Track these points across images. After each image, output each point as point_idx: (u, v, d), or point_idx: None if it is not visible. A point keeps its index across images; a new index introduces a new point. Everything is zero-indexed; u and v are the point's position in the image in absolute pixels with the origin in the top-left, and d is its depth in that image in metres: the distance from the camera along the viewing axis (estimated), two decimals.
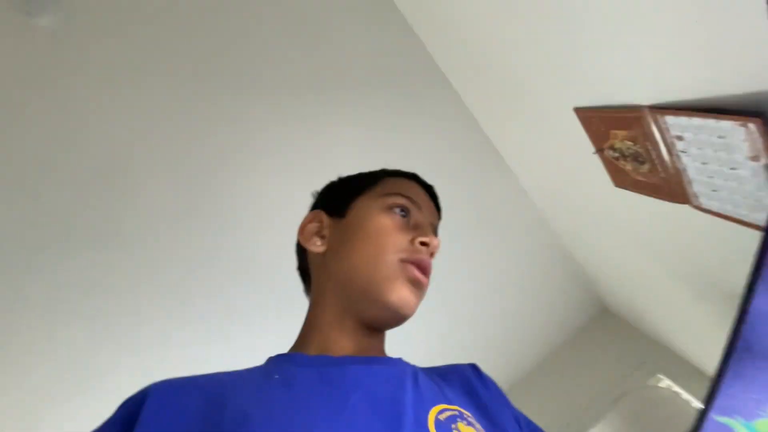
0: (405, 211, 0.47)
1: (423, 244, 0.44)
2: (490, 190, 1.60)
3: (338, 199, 0.50)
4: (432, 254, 0.45)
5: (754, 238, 0.69)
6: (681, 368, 1.62)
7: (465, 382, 0.45)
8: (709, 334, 1.21)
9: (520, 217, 1.68)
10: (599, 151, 0.95)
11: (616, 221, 1.20)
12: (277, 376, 0.35)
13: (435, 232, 0.50)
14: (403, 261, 0.42)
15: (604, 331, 2.02)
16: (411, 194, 0.49)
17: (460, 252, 1.59)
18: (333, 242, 0.47)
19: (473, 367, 0.49)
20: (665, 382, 1.65)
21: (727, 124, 0.56)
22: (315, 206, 0.53)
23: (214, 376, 0.36)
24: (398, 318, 0.42)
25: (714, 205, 0.73)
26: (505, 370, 2.04)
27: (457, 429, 0.33)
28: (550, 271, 1.85)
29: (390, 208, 0.46)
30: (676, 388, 1.58)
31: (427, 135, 1.43)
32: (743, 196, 0.64)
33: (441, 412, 0.34)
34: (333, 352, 0.40)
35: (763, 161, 0.56)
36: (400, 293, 0.41)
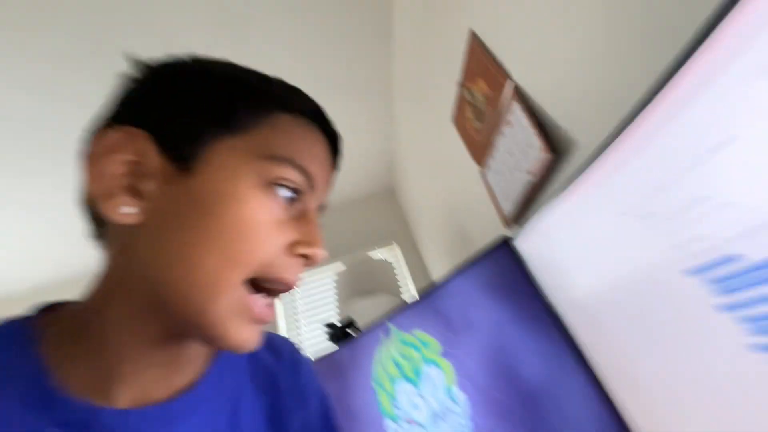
0: (294, 193, 0.29)
1: (303, 256, 0.30)
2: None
3: (187, 123, 0.27)
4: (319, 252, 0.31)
5: (495, 221, 0.91)
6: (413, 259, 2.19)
7: (273, 387, 0.38)
8: (440, 257, 1.68)
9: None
10: (461, 84, 0.96)
11: (433, 142, 1.34)
12: None
13: (321, 214, 0.35)
14: (258, 284, 0.28)
15: (379, 205, 2.45)
16: (309, 161, 0.30)
17: None
18: (156, 212, 0.26)
19: (293, 358, 0.42)
20: (393, 254, 2.23)
21: (537, 142, 0.65)
22: (126, 117, 0.28)
23: None
24: (225, 349, 0.29)
25: (491, 179, 0.90)
26: None
27: None
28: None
29: (273, 184, 0.28)
30: (397, 267, 2.16)
31: None
32: (507, 189, 0.81)
33: None
34: (113, 395, 0.27)
35: (531, 178, 0.69)
36: (242, 335, 0.28)
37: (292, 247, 0.29)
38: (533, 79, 0.68)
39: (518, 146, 0.74)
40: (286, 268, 0.29)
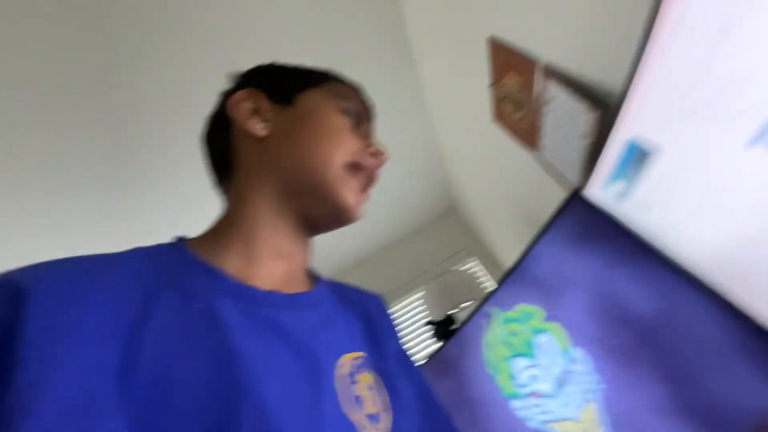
0: (358, 120, 0.45)
1: (375, 154, 0.43)
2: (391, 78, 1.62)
3: (284, 84, 0.44)
4: (380, 166, 0.44)
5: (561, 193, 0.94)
6: (493, 266, 2.19)
7: (366, 316, 0.45)
8: (513, 246, 1.68)
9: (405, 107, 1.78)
10: (493, 84, 1.05)
11: (482, 145, 1.40)
12: (198, 306, 0.30)
13: None
14: (355, 165, 0.41)
15: (441, 224, 2.51)
16: (360, 100, 0.47)
17: None
18: (277, 128, 0.41)
19: (378, 301, 0.50)
20: (472, 267, 2.24)
21: (580, 106, 0.70)
22: (245, 85, 0.45)
23: (113, 273, 0.30)
24: (342, 221, 0.41)
25: (549, 157, 0.94)
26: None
27: (358, 382, 0.34)
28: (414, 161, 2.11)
29: (344, 112, 0.43)
30: (480, 275, 2.16)
31: None
32: (568, 161, 0.85)
33: (350, 362, 0.36)
34: (257, 280, 0.35)
35: (588, 141, 0.73)
36: (350, 197, 0.40)
37: (366, 147, 0.43)
38: (556, 50, 0.75)
39: (565, 117, 0.79)
40: (366, 158, 0.42)
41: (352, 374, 0.34)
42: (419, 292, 2.39)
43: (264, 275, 0.36)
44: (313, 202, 0.40)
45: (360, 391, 0.34)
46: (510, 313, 0.80)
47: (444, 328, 1.25)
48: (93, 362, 0.24)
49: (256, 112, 0.42)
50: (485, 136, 1.29)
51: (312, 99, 0.43)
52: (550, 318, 0.71)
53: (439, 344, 1.14)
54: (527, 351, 0.76)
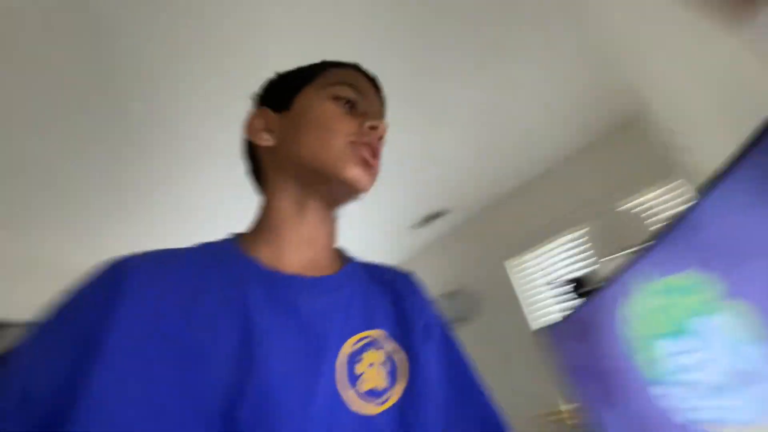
0: (351, 103, 0.47)
1: (372, 128, 0.45)
2: None
3: (281, 92, 0.49)
4: (380, 138, 0.46)
5: None
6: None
7: (395, 293, 0.47)
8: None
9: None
10: None
11: (670, 30, 0.97)
12: (234, 291, 0.37)
13: (382, 118, 0.51)
14: (353, 143, 0.43)
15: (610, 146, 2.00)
16: (355, 83, 0.48)
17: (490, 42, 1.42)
18: (282, 134, 0.46)
19: (408, 278, 0.51)
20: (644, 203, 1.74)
21: None
22: (257, 105, 0.51)
23: (183, 260, 0.39)
24: (352, 192, 0.45)
25: None
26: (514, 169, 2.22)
27: (361, 360, 0.37)
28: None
29: (336, 98, 0.46)
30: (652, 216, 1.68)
31: None
32: None
33: (357, 342, 0.38)
34: (285, 266, 0.41)
35: None
36: (352, 171, 0.43)
37: (362, 125, 0.44)
38: None
39: None
40: (364, 135, 0.44)
41: (355, 354, 0.37)
42: (573, 232, 2.08)
43: (291, 261, 0.42)
44: (324, 185, 0.44)
45: (361, 369, 0.37)
46: (669, 280, 0.58)
47: (585, 286, 1.05)
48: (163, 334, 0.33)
49: (264, 126, 0.47)
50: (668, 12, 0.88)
51: (305, 97, 0.47)
52: (731, 294, 0.48)
53: (577, 304, 0.97)
54: (686, 330, 0.54)
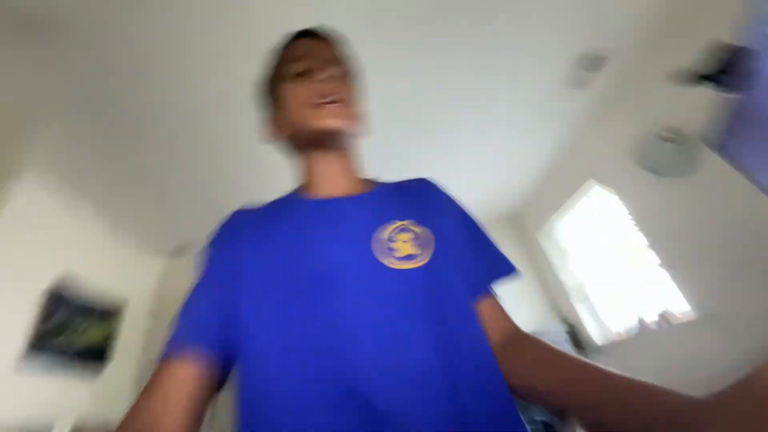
0: (302, 73, 0.58)
1: (320, 80, 0.57)
2: None
3: (269, 96, 0.65)
4: (330, 77, 0.57)
5: None
6: None
7: (418, 192, 0.62)
8: None
9: None
10: None
11: None
12: (294, 216, 0.55)
13: (332, 63, 0.60)
14: (311, 104, 0.56)
15: None
16: (298, 53, 0.60)
17: None
18: (278, 124, 0.62)
19: (428, 182, 0.66)
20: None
21: None
22: (262, 113, 0.69)
23: (268, 207, 0.60)
24: (328, 134, 0.57)
25: None
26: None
27: (396, 239, 0.51)
28: None
29: (288, 76, 0.59)
30: None
31: None
32: None
33: (391, 228, 0.52)
34: (324, 195, 0.58)
35: None
36: (314, 123, 0.56)
37: (311, 84, 0.57)
38: None
39: None
40: (317, 93, 0.55)
41: (391, 235, 0.51)
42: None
43: (327, 191, 0.58)
44: (311, 141, 0.58)
45: (395, 245, 0.50)
46: None
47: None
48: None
49: (272, 130, 0.64)
50: None
51: (279, 91, 0.60)
52: None
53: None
54: None
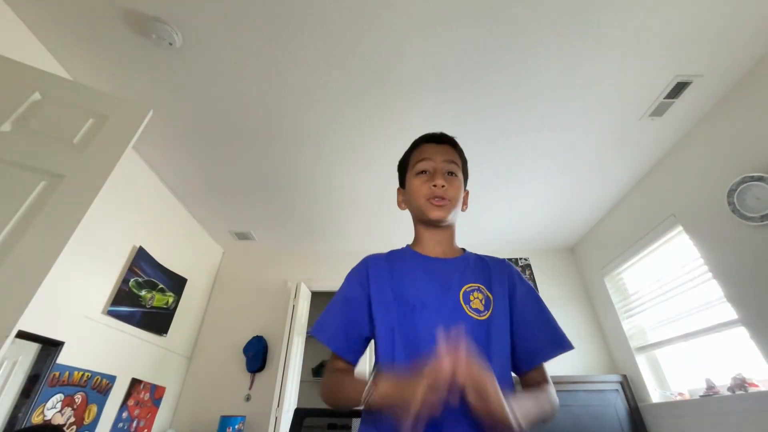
0: (425, 171, 0.87)
1: (435, 185, 0.83)
2: None
3: (401, 178, 0.96)
4: (443, 186, 0.83)
5: None
6: None
7: (491, 270, 0.83)
8: None
9: None
10: None
11: None
12: (404, 266, 0.82)
13: (449, 169, 0.87)
14: (428, 199, 0.84)
15: None
16: (425, 155, 0.87)
17: None
18: (407, 202, 0.92)
19: (503, 263, 0.87)
20: None
21: None
22: (400, 186, 0.98)
23: (389, 255, 0.87)
24: (435, 221, 0.84)
25: None
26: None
27: (472, 294, 0.75)
28: None
29: (417, 174, 0.87)
30: None
31: None
32: None
33: (469, 286, 0.76)
34: (429, 253, 0.85)
35: None
36: (429, 214, 0.84)
37: (430, 186, 0.84)
38: None
39: None
40: (433, 193, 0.84)
41: (469, 292, 0.76)
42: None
43: (431, 252, 0.86)
44: (425, 220, 0.86)
45: (472, 299, 0.74)
46: None
47: None
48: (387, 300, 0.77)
49: (401, 200, 0.95)
50: None
51: (407, 179, 0.91)
52: None
53: None
54: None
